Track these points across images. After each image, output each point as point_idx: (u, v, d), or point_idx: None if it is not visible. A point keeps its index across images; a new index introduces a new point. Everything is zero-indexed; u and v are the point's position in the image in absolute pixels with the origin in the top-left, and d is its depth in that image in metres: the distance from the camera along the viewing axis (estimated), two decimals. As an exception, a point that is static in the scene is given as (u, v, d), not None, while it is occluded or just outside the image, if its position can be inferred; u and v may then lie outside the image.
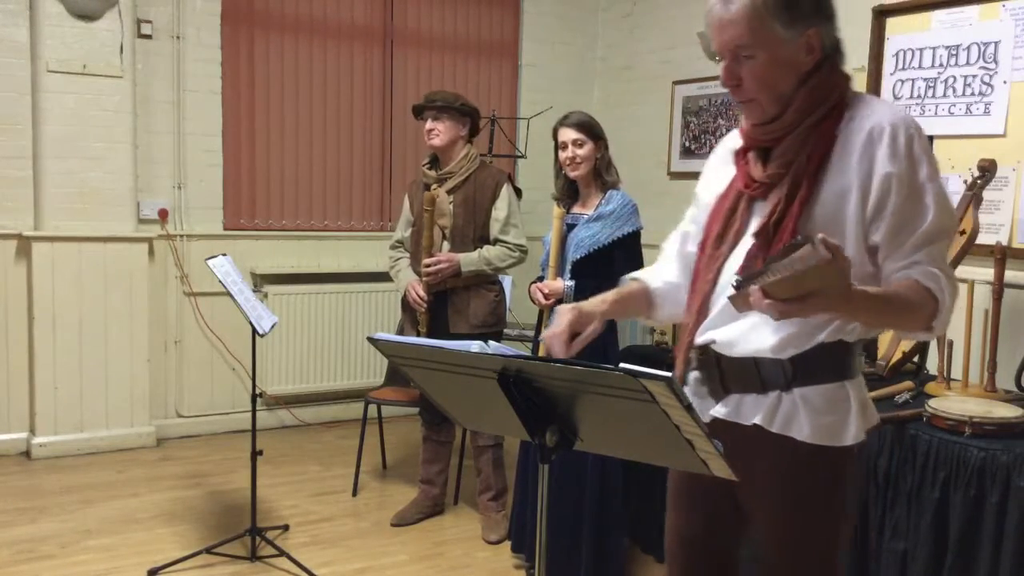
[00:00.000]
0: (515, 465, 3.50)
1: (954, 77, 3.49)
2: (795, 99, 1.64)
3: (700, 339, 1.77)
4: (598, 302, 1.85)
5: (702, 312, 1.77)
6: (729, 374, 1.74)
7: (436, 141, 3.65)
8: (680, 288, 1.92)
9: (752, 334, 1.70)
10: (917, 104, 3.62)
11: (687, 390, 1.82)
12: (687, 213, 1.98)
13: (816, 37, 1.64)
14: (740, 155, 1.78)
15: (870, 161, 1.59)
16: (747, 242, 1.72)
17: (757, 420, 1.70)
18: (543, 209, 4.52)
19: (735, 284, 1.47)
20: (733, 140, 1.87)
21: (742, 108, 1.72)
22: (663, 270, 1.97)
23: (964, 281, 3.04)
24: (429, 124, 3.66)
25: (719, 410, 1.75)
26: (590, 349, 3.29)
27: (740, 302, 1.50)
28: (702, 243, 1.83)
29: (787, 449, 1.68)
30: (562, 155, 3.18)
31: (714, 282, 1.76)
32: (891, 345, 3.11)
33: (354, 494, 4.17)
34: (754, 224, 1.71)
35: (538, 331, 3.22)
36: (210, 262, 3.32)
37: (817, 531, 1.75)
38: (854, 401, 1.69)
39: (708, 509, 1.87)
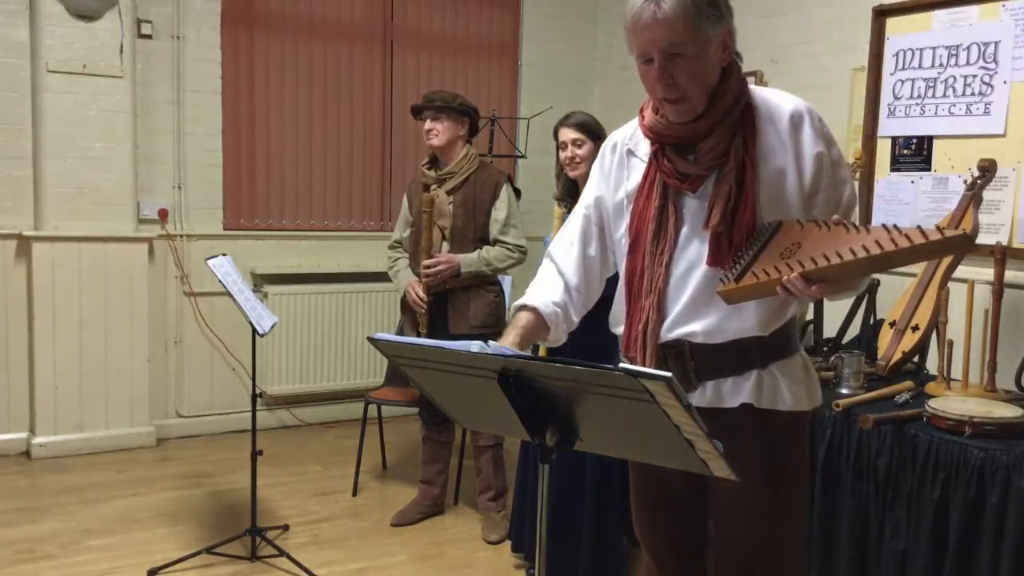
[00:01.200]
0: (515, 465, 3.50)
1: (954, 77, 3.48)
2: (722, 94, 1.73)
3: (672, 335, 1.82)
4: (507, 344, 1.83)
5: (661, 309, 1.82)
6: (704, 363, 1.81)
7: (435, 141, 3.65)
8: (571, 302, 1.97)
9: (734, 319, 1.78)
10: (917, 104, 3.62)
11: None
12: (577, 217, 2.01)
13: (729, 35, 1.74)
14: (657, 153, 1.82)
15: (798, 142, 1.75)
16: (691, 235, 1.79)
17: (744, 400, 1.79)
18: (543, 209, 4.52)
19: (733, 277, 1.51)
20: (624, 141, 1.93)
21: (669, 107, 1.76)
22: (548, 290, 1.97)
23: (964, 281, 3.05)
24: (428, 124, 3.66)
25: (696, 400, 1.80)
26: (590, 349, 3.28)
27: (740, 294, 1.56)
28: (633, 244, 1.86)
29: (771, 421, 1.80)
30: (562, 155, 3.20)
31: (666, 278, 1.81)
32: (891, 345, 3.11)
33: (354, 494, 4.17)
34: (690, 216, 1.79)
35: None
36: (210, 262, 3.32)
37: (795, 493, 1.88)
38: (810, 366, 1.89)
39: (677, 505, 1.97)
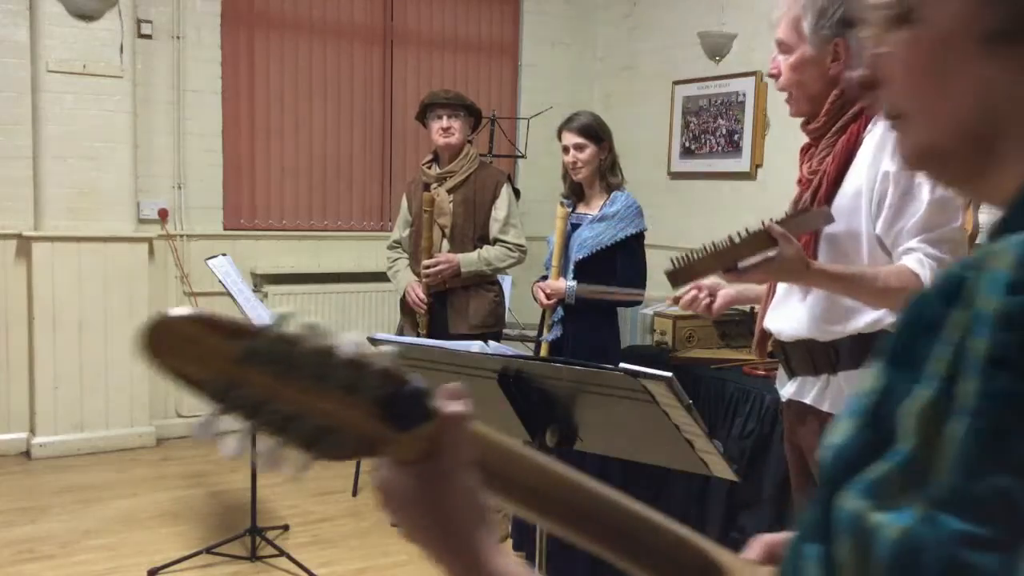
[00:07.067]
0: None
1: (954, 77, 3.48)
2: (830, 102, 1.82)
3: (765, 323, 1.97)
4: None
5: (769, 296, 1.98)
6: (792, 358, 1.92)
7: (453, 139, 3.63)
8: None
9: (791, 319, 1.89)
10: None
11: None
12: None
13: (843, 47, 1.79)
14: (803, 152, 1.97)
15: (878, 162, 1.74)
16: None
17: (809, 400, 1.88)
18: (543, 209, 4.52)
19: (672, 261, 1.67)
20: None
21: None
22: None
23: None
24: (446, 122, 3.63)
25: (789, 389, 1.94)
26: (590, 349, 3.28)
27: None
28: None
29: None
30: (565, 158, 3.19)
31: None
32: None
33: (354, 494, 4.17)
34: None
35: (540, 331, 3.22)
36: (210, 262, 3.32)
37: None
38: None
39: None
